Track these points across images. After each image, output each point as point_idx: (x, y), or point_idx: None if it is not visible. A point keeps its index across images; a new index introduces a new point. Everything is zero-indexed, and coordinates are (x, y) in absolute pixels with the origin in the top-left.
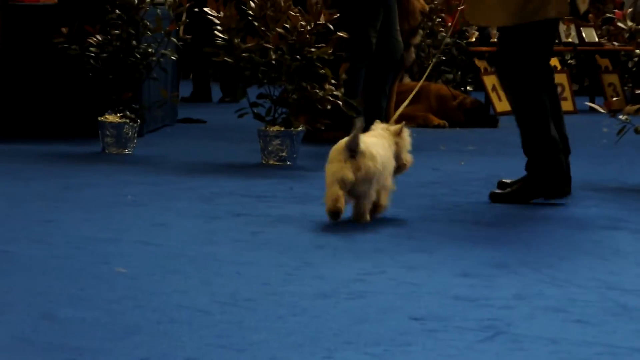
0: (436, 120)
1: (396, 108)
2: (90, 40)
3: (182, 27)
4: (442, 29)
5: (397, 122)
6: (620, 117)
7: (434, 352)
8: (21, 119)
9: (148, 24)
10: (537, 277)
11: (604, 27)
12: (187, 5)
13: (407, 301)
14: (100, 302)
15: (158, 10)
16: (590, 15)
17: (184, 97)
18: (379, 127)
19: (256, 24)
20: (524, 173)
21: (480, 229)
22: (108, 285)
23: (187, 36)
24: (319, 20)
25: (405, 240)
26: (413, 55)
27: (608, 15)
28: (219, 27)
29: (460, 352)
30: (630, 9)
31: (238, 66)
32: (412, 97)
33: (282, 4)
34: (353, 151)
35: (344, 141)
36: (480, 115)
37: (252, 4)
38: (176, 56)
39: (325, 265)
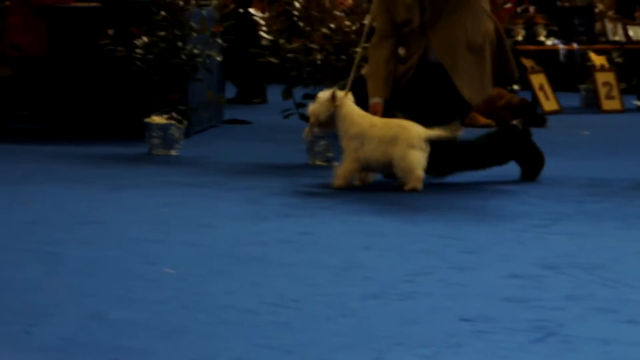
0: (483, 120)
1: None
2: (136, 42)
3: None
4: None
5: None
6: None
7: (484, 354)
8: (68, 121)
9: (193, 25)
10: (588, 278)
11: None
12: (232, 6)
13: (457, 302)
14: (148, 303)
15: (203, 11)
16: (637, 13)
17: (229, 98)
18: None
19: (301, 24)
20: (573, 173)
21: (529, 230)
22: (156, 286)
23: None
24: (364, 20)
25: (453, 241)
26: None
27: None
28: (264, 28)
29: (510, 354)
30: None
31: (283, 67)
32: None
33: (327, 4)
34: None
35: None
36: (528, 114)
37: (297, 4)
38: (221, 57)
39: (373, 266)
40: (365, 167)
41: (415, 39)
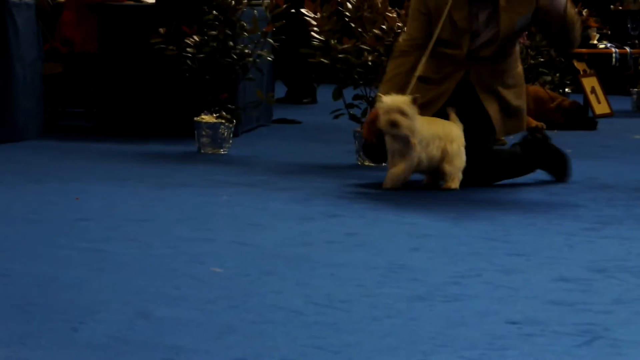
0: (534, 122)
1: None
2: (187, 41)
3: None
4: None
5: None
6: None
7: (530, 357)
8: (117, 119)
9: (245, 24)
10: (636, 282)
11: None
12: (284, 6)
13: (504, 305)
14: (195, 302)
15: (255, 11)
16: None
17: (278, 97)
18: None
19: (353, 25)
20: (624, 176)
21: (578, 233)
22: (203, 285)
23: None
24: None
25: (501, 244)
26: None
27: None
28: (315, 28)
29: (557, 357)
30: None
31: (334, 67)
32: None
33: (379, 5)
34: None
35: None
36: (579, 117)
37: (349, 5)
38: (272, 57)
39: (420, 268)
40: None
41: (451, 62)
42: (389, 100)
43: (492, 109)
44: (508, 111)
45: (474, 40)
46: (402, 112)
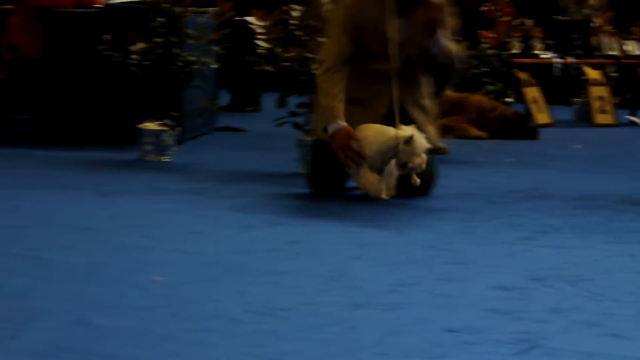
0: (476, 132)
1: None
2: (132, 48)
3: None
4: (484, 41)
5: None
6: None
7: None
8: (61, 125)
9: (191, 32)
10: (573, 291)
11: None
12: (230, 14)
13: (443, 313)
14: (135, 310)
15: (201, 18)
16: (634, 28)
17: (223, 105)
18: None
19: (298, 33)
20: (564, 186)
21: (517, 242)
22: (143, 293)
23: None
24: None
25: (441, 252)
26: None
27: None
28: (261, 36)
29: None
30: None
31: (279, 75)
32: (452, 109)
33: (325, 14)
34: None
35: None
36: (521, 127)
37: (295, 14)
38: (217, 65)
39: (360, 276)
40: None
41: (380, 79)
42: (418, 142)
43: (422, 120)
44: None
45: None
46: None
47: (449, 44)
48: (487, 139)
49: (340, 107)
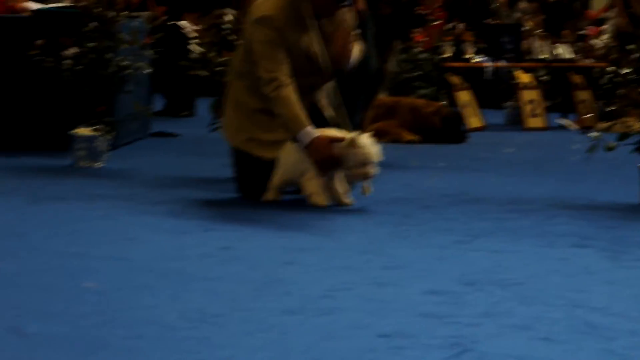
0: (409, 136)
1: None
2: (65, 53)
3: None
4: (416, 44)
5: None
6: (592, 134)
7: None
8: None
9: (124, 36)
10: (504, 295)
11: (577, 44)
12: (163, 18)
13: (375, 318)
14: (68, 317)
15: (134, 23)
16: (565, 31)
17: (157, 110)
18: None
19: (232, 37)
20: (495, 190)
21: (449, 246)
22: (76, 300)
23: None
24: None
25: (374, 257)
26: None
27: (582, 32)
28: (194, 41)
29: None
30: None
31: (213, 80)
32: (386, 113)
33: None
34: None
35: None
36: (456, 125)
37: (228, 18)
38: (151, 69)
39: (294, 281)
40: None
41: (304, 92)
42: (369, 149)
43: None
44: None
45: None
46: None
47: (357, 59)
48: (420, 143)
49: (303, 114)
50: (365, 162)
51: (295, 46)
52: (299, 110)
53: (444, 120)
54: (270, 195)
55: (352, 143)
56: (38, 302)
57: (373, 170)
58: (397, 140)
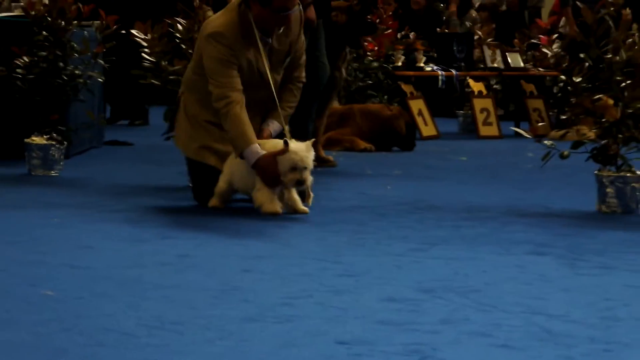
0: (363, 144)
1: (325, 131)
2: (16, 62)
3: None
4: (368, 53)
5: (324, 146)
6: (546, 142)
7: None
8: None
9: (75, 45)
10: (462, 302)
11: (529, 53)
12: (114, 27)
13: (334, 325)
14: (26, 325)
15: (85, 32)
16: (516, 40)
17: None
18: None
19: (184, 46)
20: (451, 198)
21: (405, 254)
22: (34, 308)
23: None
24: None
25: (331, 265)
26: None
27: (533, 40)
28: (146, 50)
29: None
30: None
31: (165, 88)
32: (339, 121)
33: None
34: None
35: None
36: (414, 131)
37: (180, 27)
38: (103, 78)
39: (252, 289)
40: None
41: (251, 108)
42: (299, 154)
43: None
44: None
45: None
46: (308, 168)
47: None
48: (375, 151)
49: (251, 131)
50: (295, 167)
51: (246, 61)
52: (247, 128)
53: (407, 125)
54: (215, 202)
55: (284, 149)
56: None
57: (305, 175)
58: (351, 149)
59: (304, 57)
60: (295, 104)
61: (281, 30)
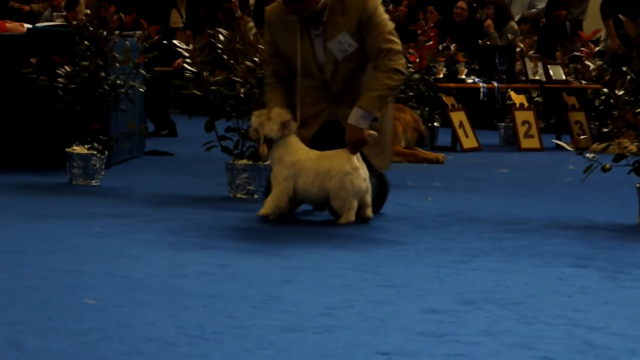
0: (430, 155)
1: None
2: (58, 71)
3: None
4: (410, 65)
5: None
6: (587, 155)
7: None
8: None
9: (117, 55)
10: (503, 314)
11: (571, 65)
12: (156, 37)
13: (374, 336)
14: (67, 334)
15: (127, 42)
16: (558, 53)
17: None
18: None
19: (225, 57)
20: (492, 210)
21: (446, 265)
22: (75, 317)
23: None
24: None
25: (372, 276)
26: None
27: (575, 53)
28: (187, 60)
29: None
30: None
31: (206, 99)
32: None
33: (251, 37)
34: None
35: None
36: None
37: (221, 37)
38: (144, 88)
39: (292, 299)
40: (300, 200)
41: (314, 94)
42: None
43: (366, 148)
44: (380, 144)
45: (323, 70)
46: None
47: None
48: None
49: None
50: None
51: (290, 47)
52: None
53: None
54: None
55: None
56: (38, 318)
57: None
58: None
59: (385, 45)
60: (382, 89)
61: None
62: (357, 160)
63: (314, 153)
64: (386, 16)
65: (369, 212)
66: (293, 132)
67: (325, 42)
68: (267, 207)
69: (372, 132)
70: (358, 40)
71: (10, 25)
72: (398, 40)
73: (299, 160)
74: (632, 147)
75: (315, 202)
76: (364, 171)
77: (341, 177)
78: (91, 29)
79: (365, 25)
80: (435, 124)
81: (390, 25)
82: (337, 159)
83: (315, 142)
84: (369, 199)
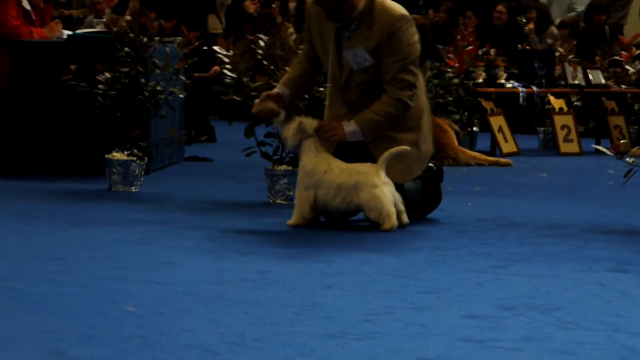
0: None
1: None
2: (98, 78)
3: None
4: (449, 70)
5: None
6: (627, 159)
7: None
8: (29, 156)
9: (157, 61)
10: (545, 320)
11: (610, 70)
12: (197, 43)
13: (416, 342)
14: (108, 341)
15: (167, 48)
16: (597, 57)
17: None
18: None
19: (265, 63)
20: (532, 214)
21: (487, 270)
22: (116, 324)
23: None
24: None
25: (412, 282)
26: None
27: (615, 57)
28: (228, 66)
29: None
30: None
31: (246, 105)
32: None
33: (291, 43)
34: None
35: None
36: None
37: (261, 43)
38: (184, 94)
39: (333, 306)
40: (322, 211)
41: (337, 97)
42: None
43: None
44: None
45: (343, 71)
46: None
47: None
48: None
49: (285, 77)
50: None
51: (318, 40)
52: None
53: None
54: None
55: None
56: (79, 326)
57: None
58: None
59: (399, 75)
60: (382, 116)
61: (353, 27)
62: (384, 176)
63: (337, 165)
64: (414, 40)
65: (404, 217)
66: (310, 134)
67: (344, 49)
68: (293, 218)
69: (406, 147)
70: (375, 57)
71: (46, 29)
72: (416, 71)
73: (318, 170)
74: None
75: (334, 214)
76: (391, 187)
77: (370, 190)
78: (131, 35)
79: (384, 47)
80: (474, 128)
81: (415, 52)
82: (363, 175)
83: (338, 147)
84: (401, 205)
